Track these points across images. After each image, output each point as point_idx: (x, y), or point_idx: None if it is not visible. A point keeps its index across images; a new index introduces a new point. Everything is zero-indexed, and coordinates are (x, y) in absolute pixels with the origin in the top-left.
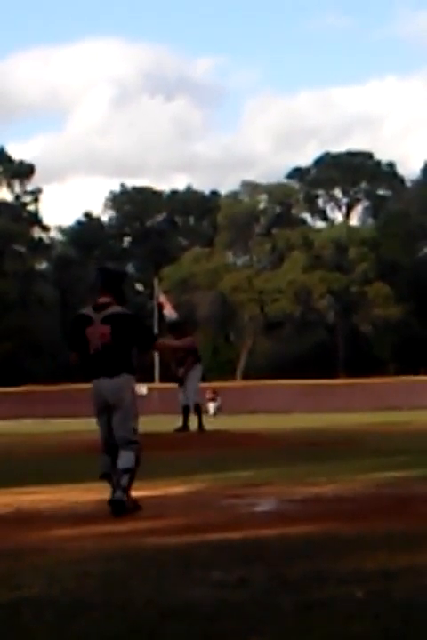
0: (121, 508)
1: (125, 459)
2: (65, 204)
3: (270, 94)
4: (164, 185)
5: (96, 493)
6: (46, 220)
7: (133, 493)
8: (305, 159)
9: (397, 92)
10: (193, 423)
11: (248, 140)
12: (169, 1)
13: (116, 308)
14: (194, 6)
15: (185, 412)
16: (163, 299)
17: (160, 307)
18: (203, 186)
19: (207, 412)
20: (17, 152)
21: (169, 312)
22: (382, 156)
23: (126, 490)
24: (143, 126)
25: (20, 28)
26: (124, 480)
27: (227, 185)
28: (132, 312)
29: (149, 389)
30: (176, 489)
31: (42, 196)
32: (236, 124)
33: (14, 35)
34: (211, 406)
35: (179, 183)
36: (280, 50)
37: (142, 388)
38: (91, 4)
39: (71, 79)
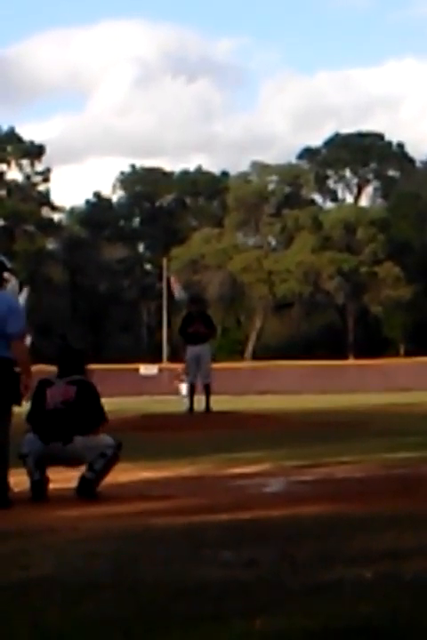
0: (88, 488)
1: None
2: (83, 184)
3: (290, 75)
4: (183, 166)
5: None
6: (63, 201)
7: (143, 474)
8: (322, 140)
9: (416, 74)
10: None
11: (267, 120)
12: None
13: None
14: None
15: (192, 391)
16: (172, 279)
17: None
18: (222, 166)
19: (180, 393)
20: (36, 133)
21: (177, 292)
22: (400, 137)
23: (98, 474)
24: (164, 107)
25: (41, 10)
26: (99, 464)
27: (245, 166)
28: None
29: (160, 369)
30: (185, 470)
31: (53, 176)
32: (255, 105)
33: (36, 16)
34: (183, 387)
35: (197, 164)
36: (300, 31)
37: (152, 369)
38: None
39: (93, 60)
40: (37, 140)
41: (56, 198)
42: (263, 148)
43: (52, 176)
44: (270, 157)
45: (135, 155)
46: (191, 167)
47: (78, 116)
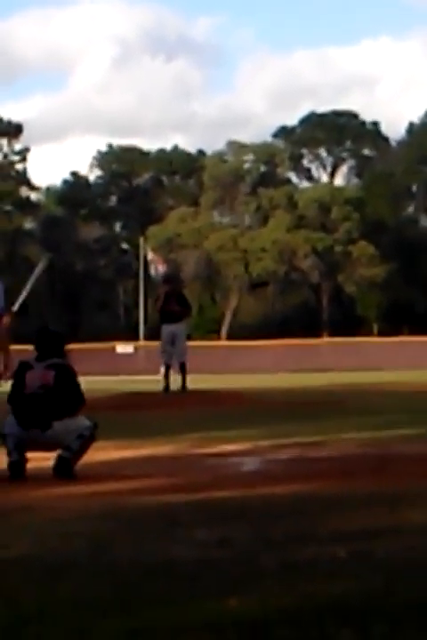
0: (66, 466)
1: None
2: (62, 163)
3: (267, 53)
4: (161, 145)
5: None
6: (42, 180)
7: (119, 453)
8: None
9: (391, 53)
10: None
11: (245, 99)
12: None
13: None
14: None
15: (167, 370)
16: (152, 256)
17: (149, 265)
18: (200, 146)
19: None
20: (16, 112)
21: (160, 266)
22: (376, 116)
23: (75, 454)
24: (143, 86)
25: None
26: (76, 444)
27: (223, 145)
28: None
29: (136, 348)
30: (161, 449)
31: (32, 156)
32: (233, 84)
33: None
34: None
35: (176, 143)
36: (278, 9)
37: (129, 347)
38: None
39: (72, 40)
40: (17, 119)
41: (35, 177)
42: (241, 126)
43: (32, 155)
44: (248, 136)
45: (114, 134)
46: (170, 146)
47: (58, 95)
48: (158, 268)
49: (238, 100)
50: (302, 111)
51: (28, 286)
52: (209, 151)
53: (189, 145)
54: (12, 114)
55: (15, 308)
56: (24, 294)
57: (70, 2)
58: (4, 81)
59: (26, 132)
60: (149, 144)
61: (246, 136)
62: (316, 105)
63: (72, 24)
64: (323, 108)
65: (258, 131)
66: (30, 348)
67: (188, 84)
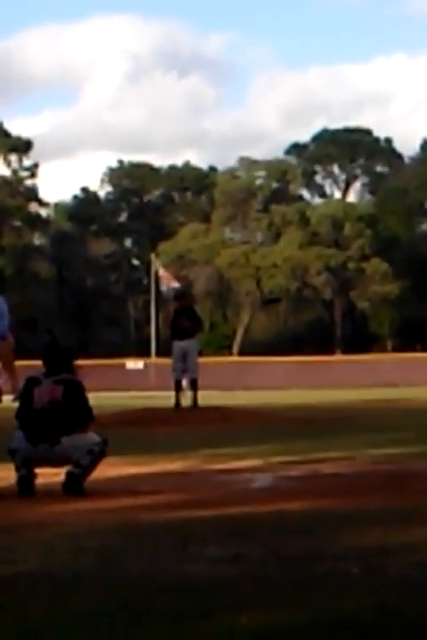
0: (75, 483)
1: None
2: (73, 179)
3: (281, 70)
4: (173, 161)
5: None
6: (53, 196)
7: (130, 469)
8: (310, 136)
9: (405, 70)
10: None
11: (258, 116)
12: None
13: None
14: None
15: (178, 386)
16: (163, 272)
17: (160, 281)
18: (213, 162)
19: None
20: (27, 128)
21: (172, 283)
22: (390, 133)
23: (85, 470)
24: (155, 102)
25: (33, 4)
26: (86, 460)
27: (235, 161)
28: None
29: (146, 364)
30: (172, 465)
31: (43, 172)
32: (246, 100)
33: (27, 11)
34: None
35: (187, 159)
36: (291, 26)
37: (139, 363)
38: None
39: (84, 55)
40: (28, 134)
41: (46, 193)
42: (254, 143)
43: (43, 171)
44: (261, 153)
45: (126, 150)
46: (181, 162)
47: (69, 110)
48: (171, 284)
49: (251, 117)
50: (316, 128)
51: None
52: (220, 167)
53: (201, 161)
54: (22, 129)
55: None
56: None
57: (82, 16)
58: (16, 96)
59: (37, 148)
60: (161, 160)
61: (259, 153)
62: (329, 122)
63: (84, 39)
64: (336, 126)
65: (271, 147)
66: (39, 363)
67: (200, 101)
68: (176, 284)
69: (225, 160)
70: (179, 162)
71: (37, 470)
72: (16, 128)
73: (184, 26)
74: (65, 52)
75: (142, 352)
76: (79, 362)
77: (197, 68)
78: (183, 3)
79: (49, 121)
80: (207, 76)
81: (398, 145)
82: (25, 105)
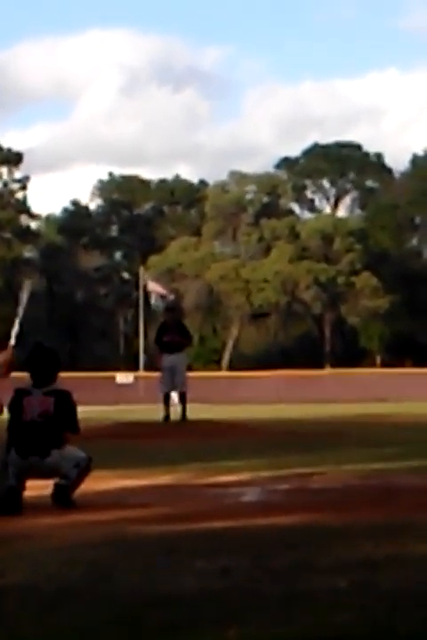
0: (64, 495)
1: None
2: (66, 192)
3: (275, 85)
4: (166, 175)
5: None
6: (45, 209)
7: (119, 482)
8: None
9: (397, 85)
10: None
11: (251, 130)
12: None
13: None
14: None
15: (167, 400)
16: (153, 285)
17: (149, 295)
18: (206, 176)
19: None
20: (21, 141)
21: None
22: (382, 148)
23: (73, 483)
24: (150, 116)
25: (27, 18)
26: (73, 473)
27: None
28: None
29: (135, 378)
30: (161, 478)
31: (37, 184)
32: (240, 114)
33: (22, 24)
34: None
35: (181, 173)
36: (285, 41)
37: (129, 377)
38: None
39: (79, 68)
40: (22, 147)
41: (39, 206)
42: (247, 157)
43: (34, 184)
44: (254, 167)
45: (119, 163)
46: (171, 176)
47: (63, 123)
48: (165, 296)
49: (245, 131)
50: (309, 142)
51: (20, 314)
52: (212, 181)
53: (194, 175)
54: (15, 142)
55: (12, 341)
56: (17, 325)
57: (78, 30)
58: (10, 109)
59: (29, 161)
60: (155, 174)
61: (253, 167)
62: (322, 136)
63: (79, 52)
64: (330, 140)
65: (264, 162)
66: (25, 375)
67: (195, 114)
68: (168, 294)
69: (219, 173)
70: (173, 175)
71: (28, 483)
72: (9, 141)
73: (179, 39)
74: (60, 64)
75: (131, 366)
76: (68, 374)
77: (192, 82)
78: (178, 17)
79: (42, 134)
80: (202, 89)
81: (389, 160)
82: (19, 117)
